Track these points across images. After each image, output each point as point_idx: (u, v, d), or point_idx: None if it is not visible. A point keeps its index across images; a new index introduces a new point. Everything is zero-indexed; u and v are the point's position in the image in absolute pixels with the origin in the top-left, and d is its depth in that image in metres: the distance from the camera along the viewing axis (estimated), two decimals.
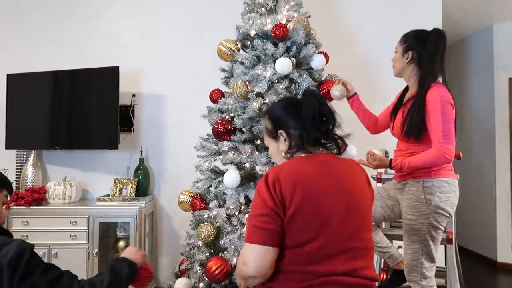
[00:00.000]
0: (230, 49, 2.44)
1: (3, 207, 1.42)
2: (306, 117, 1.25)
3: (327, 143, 1.30)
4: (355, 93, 2.23)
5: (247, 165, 2.26)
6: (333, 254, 1.13)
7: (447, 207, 1.79)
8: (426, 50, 1.87)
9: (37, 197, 2.98)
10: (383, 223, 2.47)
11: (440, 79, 1.90)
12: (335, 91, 2.15)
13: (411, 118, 1.80)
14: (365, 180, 1.30)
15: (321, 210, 1.13)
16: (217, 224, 2.25)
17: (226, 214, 2.27)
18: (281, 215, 1.12)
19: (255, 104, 2.23)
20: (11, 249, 1.09)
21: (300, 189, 1.13)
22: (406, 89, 2.06)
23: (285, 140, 1.30)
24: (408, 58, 1.91)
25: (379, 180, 2.37)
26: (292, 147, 1.28)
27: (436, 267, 1.92)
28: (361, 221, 1.20)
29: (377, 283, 1.22)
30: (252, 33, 2.39)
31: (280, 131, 1.30)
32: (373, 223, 2.09)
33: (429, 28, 3.48)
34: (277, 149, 1.33)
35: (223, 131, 2.29)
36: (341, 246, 1.14)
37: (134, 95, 3.37)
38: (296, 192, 1.12)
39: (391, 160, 1.90)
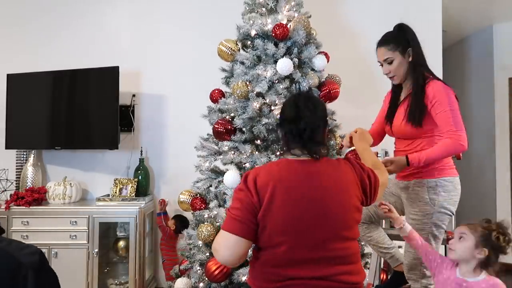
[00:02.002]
0: (231, 49, 2.44)
1: None
2: (285, 122, 1.31)
3: (308, 149, 1.28)
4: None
5: (247, 165, 2.26)
6: (300, 261, 1.18)
7: (450, 206, 1.81)
8: (416, 45, 1.90)
9: (37, 197, 2.98)
10: (383, 222, 2.47)
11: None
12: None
13: (414, 105, 1.81)
14: (354, 189, 1.27)
15: (288, 220, 1.18)
16: (217, 224, 2.25)
17: (226, 214, 2.27)
18: (255, 213, 1.19)
19: (256, 104, 2.23)
20: (33, 254, 1.17)
21: (273, 193, 1.19)
22: (395, 92, 2.03)
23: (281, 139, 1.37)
24: (410, 57, 1.88)
25: None
26: (281, 148, 1.35)
27: None
28: (332, 233, 1.20)
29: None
30: (253, 33, 2.39)
31: (279, 130, 1.38)
32: (373, 222, 2.09)
33: (430, 28, 3.49)
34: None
35: (223, 131, 2.29)
36: (308, 254, 1.18)
37: (134, 95, 3.36)
38: (270, 195, 1.19)
39: (407, 157, 1.76)
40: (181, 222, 3.08)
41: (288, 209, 1.18)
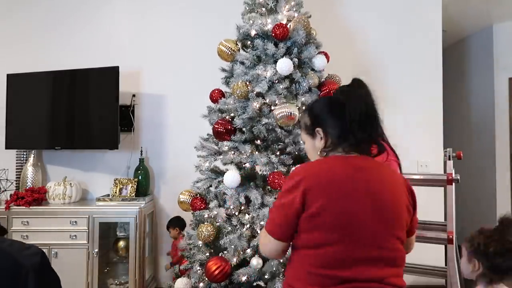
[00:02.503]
0: (231, 49, 2.44)
1: None
2: (351, 118, 1.20)
3: (368, 147, 1.24)
4: None
5: (247, 165, 2.26)
6: (355, 260, 1.10)
7: None
8: None
9: (37, 197, 2.98)
10: None
11: None
12: None
13: None
14: (404, 189, 1.23)
15: (344, 214, 1.11)
16: (217, 224, 2.25)
17: (226, 214, 2.27)
18: (298, 213, 1.14)
19: (255, 104, 2.23)
20: (34, 255, 1.17)
21: (325, 190, 1.13)
22: None
23: (321, 138, 1.26)
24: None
25: None
26: (328, 146, 1.24)
27: (437, 267, 1.92)
28: (388, 230, 1.15)
29: None
30: (253, 33, 2.39)
31: (318, 128, 1.27)
32: None
33: (430, 28, 3.49)
34: (313, 146, 1.31)
35: (223, 131, 2.29)
36: (364, 253, 1.11)
37: (134, 95, 3.37)
38: (321, 193, 1.12)
39: None
40: (179, 222, 3.08)
41: (341, 208, 1.12)
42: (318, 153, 1.27)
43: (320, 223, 1.11)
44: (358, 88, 1.83)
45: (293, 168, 1.22)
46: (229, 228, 2.20)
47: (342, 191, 1.13)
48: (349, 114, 1.20)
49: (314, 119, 1.30)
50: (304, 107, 2.18)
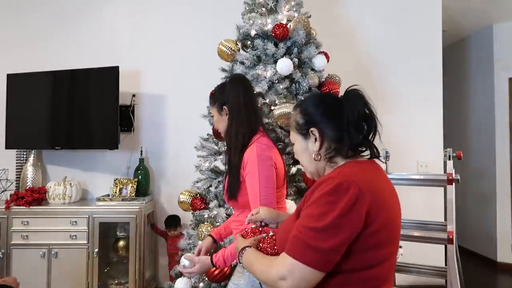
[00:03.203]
0: (231, 49, 2.44)
1: None
2: (349, 118, 1.08)
3: (364, 150, 1.13)
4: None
5: None
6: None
7: None
8: (239, 100, 1.59)
9: (37, 197, 2.98)
10: None
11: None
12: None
13: (230, 178, 1.55)
14: None
15: (398, 226, 1.07)
16: (217, 224, 2.25)
17: (226, 214, 2.27)
18: (356, 233, 0.96)
19: None
20: None
21: (383, 203, 1.00)
22: None
23: (315, 140, 1.12)
24: (226, 115, 1.59)
25: None
26: (330, 149, 1.10)
27: (437, 267, 1.91)
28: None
29: None
30: (253, 33, 2.39)
31: (312, 129, 1.12)
32: None
33: (430, 28, 3.49)
34: (305, 147, 1.15)
35: None
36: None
37: (134, 95, 3.37)
38: (381, 207, 0.99)
39: (211, 257, 1.52)
40: (175, 221, 3.17)
41: (394, 215, 1.05)
42: (313, 156, 1.12)
43: (381, 239, 0.99)
44: (221, 86, 1.71)
45: (331, 176, 1.02)
46: None
47: (391, 201, 1.05)
48: (347, 114, 1.09)
49: (308, 117, 1.14)
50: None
